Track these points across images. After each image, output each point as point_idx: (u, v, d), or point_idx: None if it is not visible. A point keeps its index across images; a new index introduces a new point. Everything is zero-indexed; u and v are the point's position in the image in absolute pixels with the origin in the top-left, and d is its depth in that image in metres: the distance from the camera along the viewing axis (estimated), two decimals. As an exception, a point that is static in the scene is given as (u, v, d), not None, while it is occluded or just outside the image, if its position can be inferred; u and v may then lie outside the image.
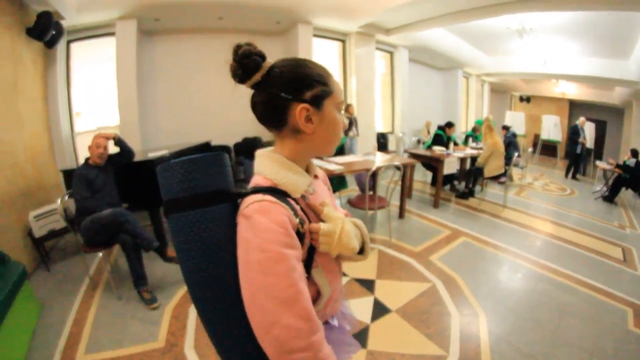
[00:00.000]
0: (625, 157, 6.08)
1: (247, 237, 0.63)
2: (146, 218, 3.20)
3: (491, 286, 2.76)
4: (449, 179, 5.53)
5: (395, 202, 4.38)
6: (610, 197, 5.88)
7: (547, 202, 5.52)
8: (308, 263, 0.71)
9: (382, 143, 7.77)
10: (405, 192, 4.33)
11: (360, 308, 2.37)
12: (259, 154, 0.76)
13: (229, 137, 5.72)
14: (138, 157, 3.00)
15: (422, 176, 6.57)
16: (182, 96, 5.28)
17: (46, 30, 3.14)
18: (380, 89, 8.01)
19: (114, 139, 2.62)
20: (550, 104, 12.36)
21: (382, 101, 8.13)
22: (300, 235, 0.67)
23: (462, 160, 5.25)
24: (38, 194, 3.12)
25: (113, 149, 2.67)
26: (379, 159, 4.21)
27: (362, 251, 0.82)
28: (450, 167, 4.61)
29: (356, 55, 6.50)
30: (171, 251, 2.54)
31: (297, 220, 0.66)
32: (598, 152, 10.45)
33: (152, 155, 3.20)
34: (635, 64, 6.44)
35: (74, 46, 4.07)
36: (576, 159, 7.50)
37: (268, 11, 5.04)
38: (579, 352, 2.05)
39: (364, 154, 4.66)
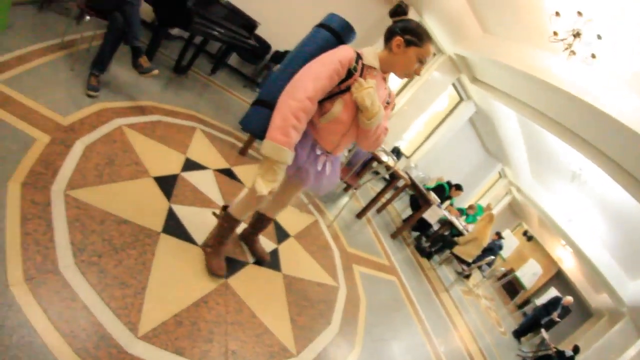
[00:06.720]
0: (568, 348, 6.17)
1: (329, 53, 1.27)
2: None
3: (385, 335, 2.53)
4: (422, 229, 5.31)
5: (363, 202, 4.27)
6: None
7: (480, 322, 5.26)
8: (340, 92, 1.31)
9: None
10: (378, 203, 4.13)
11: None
12: (371, 49, 1.38)
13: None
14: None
15: (401, 208, 6.33)
16: None
17: None
18: (426, 118, 7.80)
19: None
20: (543, 258, 12.35)
21: (421, 128, 7.94)
22: (351, 73, 1.28)
23: (442, 225, 5.10)
24: None
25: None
26: (386, 158, 3.89)
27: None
28: (433, 215, 4.43)
29: (431, 74, 6.25)
30: (144, 61, 2.31)
31: (353, 64, 1.28)
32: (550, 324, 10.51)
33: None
34: (634, 289, 6.55)
35: None
36: (535, 326, 7.20)
37: None
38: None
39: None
